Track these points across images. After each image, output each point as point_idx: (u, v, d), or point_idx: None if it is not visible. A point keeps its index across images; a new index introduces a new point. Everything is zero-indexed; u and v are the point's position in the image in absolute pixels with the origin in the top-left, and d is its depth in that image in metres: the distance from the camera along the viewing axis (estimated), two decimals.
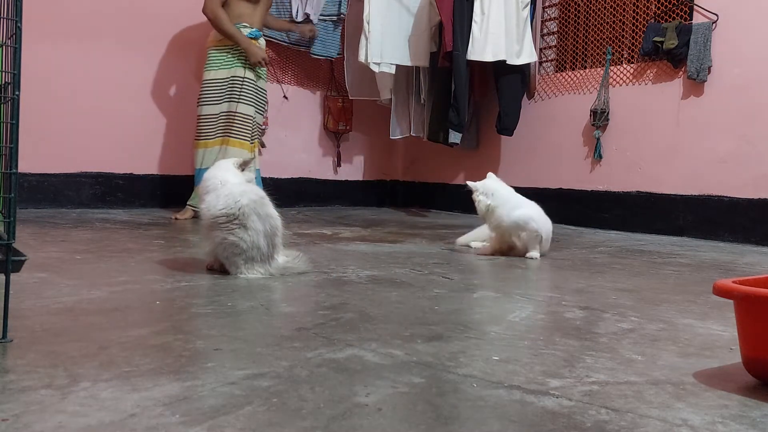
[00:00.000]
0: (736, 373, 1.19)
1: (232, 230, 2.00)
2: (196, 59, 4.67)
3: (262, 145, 5.04)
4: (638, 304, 1.83)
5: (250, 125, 3.99)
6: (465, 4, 4.24)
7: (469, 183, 2.83)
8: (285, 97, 5.14)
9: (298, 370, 1.12)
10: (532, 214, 2.70)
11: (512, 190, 2.79)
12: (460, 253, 2.88)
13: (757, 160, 3.60)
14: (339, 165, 5.63)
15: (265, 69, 4.06)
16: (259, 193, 2.10)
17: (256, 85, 4.01)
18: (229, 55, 3.94)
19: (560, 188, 4.61)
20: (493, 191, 2.73)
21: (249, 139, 3.98)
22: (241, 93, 3.94)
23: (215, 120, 3.93)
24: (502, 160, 5.04)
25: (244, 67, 3.95)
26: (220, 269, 2.09)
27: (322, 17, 5.00)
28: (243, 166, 2.22)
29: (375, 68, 4.43)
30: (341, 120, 5.47)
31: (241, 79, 3.94)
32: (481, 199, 2.74)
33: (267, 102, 4.26)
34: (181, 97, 4.61)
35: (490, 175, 2.84)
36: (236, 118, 3.93)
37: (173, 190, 4.52)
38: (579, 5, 4.62)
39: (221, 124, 3.94)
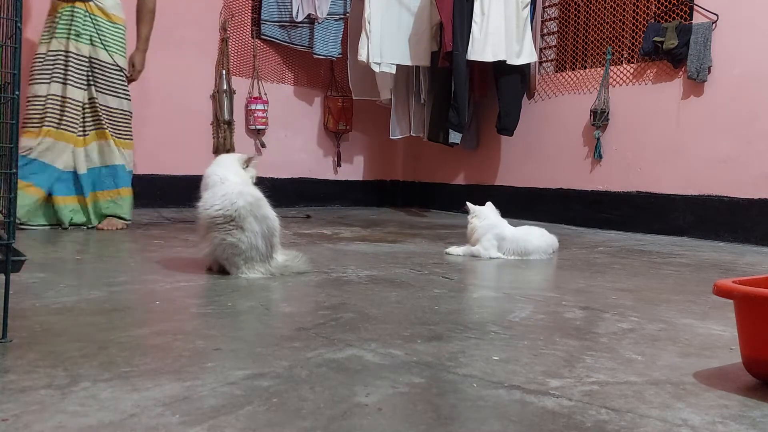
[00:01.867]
0: (736, 373, 1.19)
1: (230, 231, 2.00)
2: (194, 58, 4.67)
3: (262, 145, 5.04)
4: (638, 304, 1.83)
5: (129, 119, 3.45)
6: (465, 4, 4.24)
7: (468, 204, 2.87)
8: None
9: (298, 370, 1.12)
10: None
11: (504, 220, 2.86)
12: (457, 255, 2.87)
13: (757, 160, 3.60)
14: (339, 165, 5.63)
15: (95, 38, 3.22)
16: (256, 194, 2.09)
17: (111, 64, 3.27)
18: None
19: (560, 188, 4.61)
20: (486, 217, 2.82)
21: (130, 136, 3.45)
22: (96, 79, 3.25)
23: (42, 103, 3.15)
24: (502, 160, 5.04)
25: (80, 42, 3.17)
26: (218, 271, 2.09)
27: (327, 15, 5.00)
28: (247, 162, 2.23)
29: (376, 68, 4.43)
30: (341, 120, 5.47)
31: (87, 60, 3.21)
32: (474, 222, 2.83)
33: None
34: (180, 97, 4.61)
35: (489, 204, 2.89)
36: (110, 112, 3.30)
37: (173, 190, 4.53)
38: (579, 5, 4.62)
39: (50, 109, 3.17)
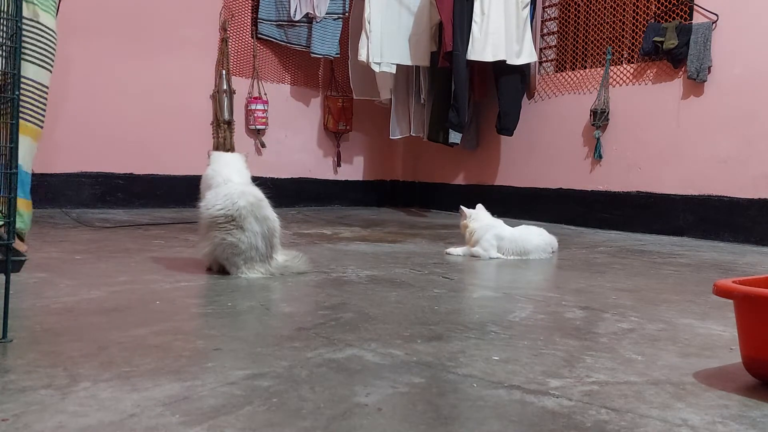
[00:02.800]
0: (736, 373, 1.19)
1: (230, 231, 2.01)
2: (194, 58, 4.67)
3: (262, 145, 5.04)
4: (638, 304, 1.83)
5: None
6: (465, 4, 4.24)
7: (462, 208, 2.86)
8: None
9: (298, 370, 1.12)
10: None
11: (499, 221, 2.86)
12: (457, 255, 2.87)
13: (757, 160, 3.60)
14: (339, 165, 5.63)
15: None
16: (258, 195, 2.10)
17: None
18: None
19: (560, 188, 4.61)
20: (481, 218, 2.81)
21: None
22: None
23: None
24: (502, 160, 5.04)
25: None
26: (218, 271, 2.09)
27: (326, 15, 5.00)
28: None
29: (376, 68, 4.43)
30: (341, 120, 5.47)
31: None
32: (472, 225, 2.80)
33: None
34: (180, 97, 4.62)
35: (480, 206, 2.88)
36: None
37: (173, 190, 4.53)
38: (579, 5, 4.62)
39: None
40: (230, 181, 2.10)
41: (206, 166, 2.24)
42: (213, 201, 2.04)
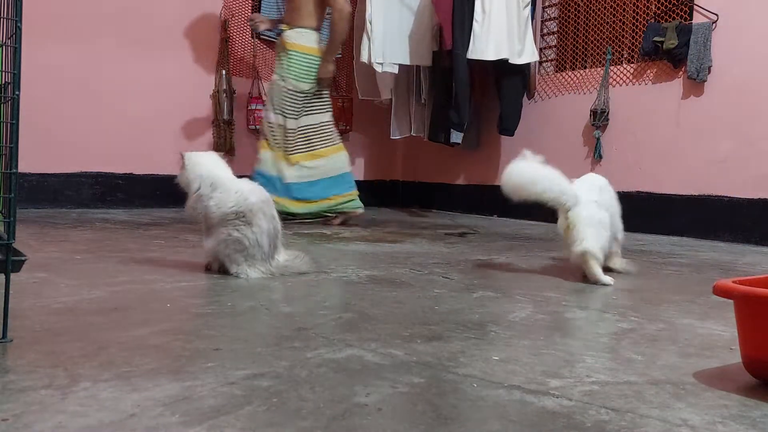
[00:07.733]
0: (736, 373, 1.19)
1: (238, 227, 2.02)
2: (195, 58, 4.68)
3: None
4: (638, 304, 1.83)
5: None
6: (465, 3, 4.24)
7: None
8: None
9: (298, 370, 1.12)
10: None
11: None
12: (459, 254, 2.87)
13: (757, 160, 3.60)
14: None
15: None
16: (266, 194, 2.14)
17: None
18: None
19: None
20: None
21: None
22: None
23: None
24: (503, 160, 5.04)
25: None
26: (218, 270, 2.09)
27: (327, 15, 4.99)
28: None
29: (378, 68, 4.43)
30: (341, 120, 5.46)
31: None
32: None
33: None
34: (181, 97, 4.61)
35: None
36: None
37: (173, 190, 4.52)
38: (579, 5, 4.62)
39: None
40: (232, 178, 2.12)
41: (182, 167, 2.24)
42: (225, 199, 2.06)
